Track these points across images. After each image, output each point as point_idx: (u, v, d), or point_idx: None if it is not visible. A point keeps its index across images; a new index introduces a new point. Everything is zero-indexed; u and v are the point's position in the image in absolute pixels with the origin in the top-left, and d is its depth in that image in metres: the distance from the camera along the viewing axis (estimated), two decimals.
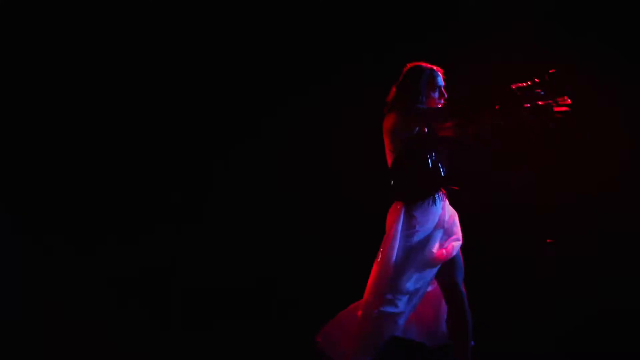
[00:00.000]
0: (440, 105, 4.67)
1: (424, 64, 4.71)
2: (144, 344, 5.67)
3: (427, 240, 4.59)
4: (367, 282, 4.64)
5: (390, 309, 4.50)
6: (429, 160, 4.61)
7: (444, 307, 4.72)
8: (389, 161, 4.71)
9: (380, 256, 4.58)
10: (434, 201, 4.63)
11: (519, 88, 4.38)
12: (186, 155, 6.47)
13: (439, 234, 4.63)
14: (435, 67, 4.71)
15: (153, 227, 6.40)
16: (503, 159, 6.10)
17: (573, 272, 6.13)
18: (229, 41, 6.43)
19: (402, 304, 4.53)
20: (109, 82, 6.37)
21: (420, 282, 4.56)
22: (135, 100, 6.42)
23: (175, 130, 6.46)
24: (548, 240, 6.12)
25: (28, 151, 6.31)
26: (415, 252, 4.56)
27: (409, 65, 4.72)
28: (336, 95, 6.34)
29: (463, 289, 4.66)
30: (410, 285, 4.54)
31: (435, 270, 4.61)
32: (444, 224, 4.67)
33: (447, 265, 4.64)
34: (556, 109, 4.40)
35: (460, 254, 4.71)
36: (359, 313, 4.60)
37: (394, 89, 4.73)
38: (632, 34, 6.13)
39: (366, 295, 4.61)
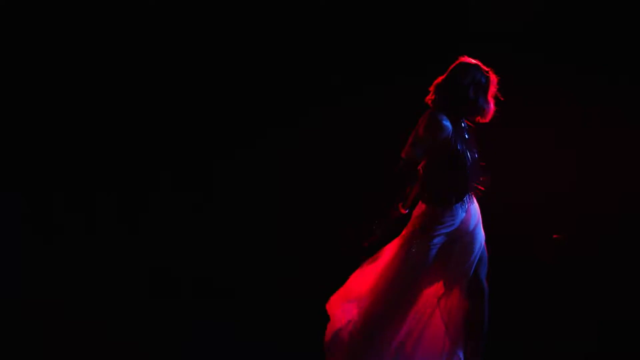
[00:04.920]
0: (492, 107, 4.39)
1: (468, 60, 4.40)
2: (144, 343, 5.68)
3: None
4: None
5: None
6: (463, 163, 4.39)
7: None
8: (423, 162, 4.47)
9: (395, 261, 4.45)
10: (462, 204, 4.45)
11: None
12: (190, 157, 6.49)
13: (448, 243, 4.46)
14: (481, 65, 4.40)
15: (157, 227, 6.43)
16: (503, 158, 6.10)
17: (573, 272, 6.14)
18: (229, 42, 6.45)
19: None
20: (119, 85, 6.42)
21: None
22: (146, 107, 6.47)
23: (179, 133, 6.49)
24: (554, 236, 6.13)
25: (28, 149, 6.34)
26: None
27: (456, 62, 4.39)
28: (337, 95, 6.35)
29: (485, 284, 4.53)
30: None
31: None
32: (463, 231, 4.47)
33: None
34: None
35: (486, 248, 4.56)
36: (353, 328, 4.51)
37: (432, 89, 4.40)
38: (632, 34, 6.14)
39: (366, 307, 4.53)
